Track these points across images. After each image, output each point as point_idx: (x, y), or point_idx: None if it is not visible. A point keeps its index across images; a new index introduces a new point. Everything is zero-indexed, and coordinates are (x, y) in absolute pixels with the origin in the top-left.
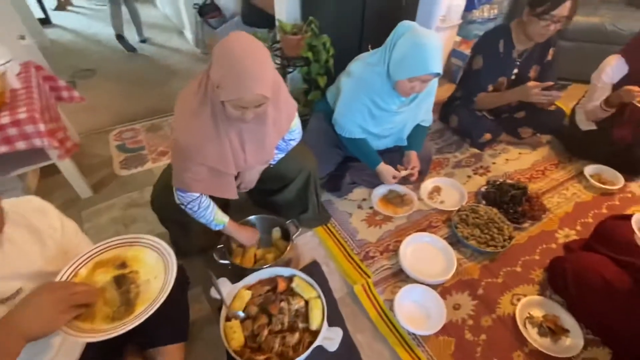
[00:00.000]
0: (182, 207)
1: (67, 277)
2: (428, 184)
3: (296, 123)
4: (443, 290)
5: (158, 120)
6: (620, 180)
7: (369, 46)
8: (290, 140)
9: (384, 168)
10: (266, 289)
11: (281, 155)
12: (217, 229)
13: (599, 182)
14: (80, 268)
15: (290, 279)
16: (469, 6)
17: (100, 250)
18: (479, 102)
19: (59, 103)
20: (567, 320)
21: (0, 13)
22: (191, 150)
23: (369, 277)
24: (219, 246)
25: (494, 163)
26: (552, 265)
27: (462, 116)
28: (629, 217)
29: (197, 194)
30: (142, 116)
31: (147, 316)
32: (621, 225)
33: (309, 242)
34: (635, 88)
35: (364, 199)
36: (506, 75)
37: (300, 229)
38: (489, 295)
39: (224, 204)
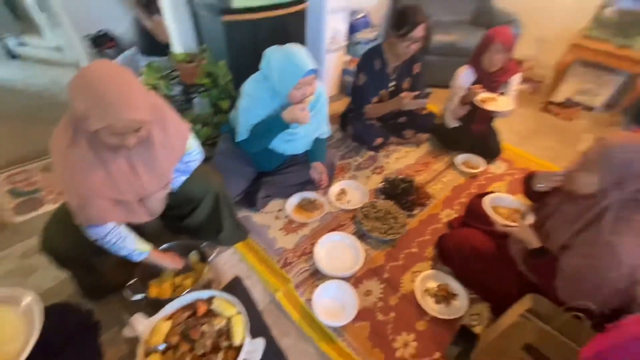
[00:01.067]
0: (100, 243)
1: None
2: (335, 188)
3: (193, 144)
4: (355, 280)
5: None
6: (483, 163)
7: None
8: (190, 161)
9: (287, 111)
10: (186, 315)
11: (183, 178)
12: (140, 258)
13: (468, 168)
14: None
15: (209, 300)
16: (352, 29)
17: None
18: (367, 113)
19: None
20: (455, 286)
21: None
22: (79, 185)
23: (289, 282)
24: (130, 282)
25: (387, 162)
26: (439, 242)
27: (356, 126)
28: (488, 194)
29: (112, 225)
30: (35, 156)
31: None
32: (481, 202)
33: (229, 260)
34: (476, 87)
35: (280, 210)
36: (385, 88)
37: (217, 249)
38: (393, 277)
39: (139, 235)
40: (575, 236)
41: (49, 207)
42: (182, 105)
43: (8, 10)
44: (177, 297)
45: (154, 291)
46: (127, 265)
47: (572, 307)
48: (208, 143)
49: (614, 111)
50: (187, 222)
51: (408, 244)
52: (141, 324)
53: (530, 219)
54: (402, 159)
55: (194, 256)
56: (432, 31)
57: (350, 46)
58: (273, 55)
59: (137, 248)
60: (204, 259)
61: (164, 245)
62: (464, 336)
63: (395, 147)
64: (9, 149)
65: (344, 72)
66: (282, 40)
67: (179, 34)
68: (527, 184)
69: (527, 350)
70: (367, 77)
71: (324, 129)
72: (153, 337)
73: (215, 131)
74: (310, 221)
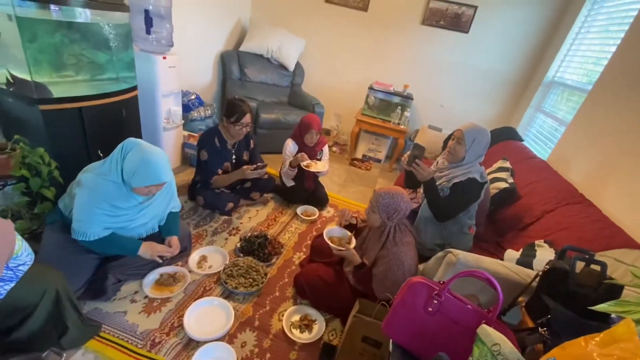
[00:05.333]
0: None
1: None
2: (194, 256)
3: (21, 245)
4: (230, 337)
5: None
6: (316, 212)
7: (100, 152)
8: (18, 265)
9: (145, 248)
10: None
11: (10, 286)
12: None
13: (306, 216)
14: None
15: None
16: (187, 109)
17: None
18: (214, 183)
19: None
20: (313, 313)
21: None
22: None
23: None
24: None
25: (241, 223)
26: (295, 281)
27: (205, 195)
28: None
29: None
30: None
31: None
32: (321, 241)
33: None
34: (300, 156)
35: (136, 292)
36: (228, 161)
37: (65, 354)
38: (263, 323)
39: None
40: (378, 252)
41: None
42: None
43: None
44: None
45: None
46: None
47: (381, 300)
48: (26, 236)
49: (391, 161)
50: (14, 336)
51: (271, 290)
52: None
53: (353, 243)
54: (254, 217)
55: None
56: (259, 112)
57: (187, 123)
58: (131, 154)
59: None
60: None
61: None
62: (327, 350)
63: (246, 207)
64: None
65: (185, 145)
66: (116, 126)
67: None
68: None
69: (364, 340)
70: (209, 153)
71: (175, 203)
72: None
73: (35, 222)
74: (173, 295)
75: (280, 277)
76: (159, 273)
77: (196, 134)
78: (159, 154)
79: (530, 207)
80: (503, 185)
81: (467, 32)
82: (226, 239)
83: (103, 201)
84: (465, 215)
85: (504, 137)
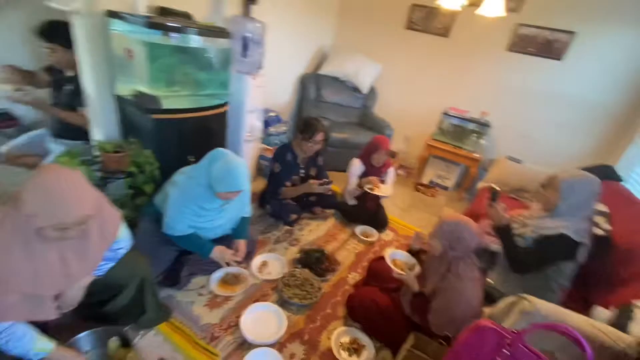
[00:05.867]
0: None
1: None
2: (257, 261)
3: (123, 232)
4: (280, 345)
5: None
6: (376, 234)
7: (190, 159)
8: (119, 249)
9: (218, 251)
10: None
11: (110, 265)
12: (37, 359)
13: (365, 237)
14: None
15: None
16: (266, 124)
17: None
18: (282, 194)
19: None
20: (363, 338)
21: None
22: None
23: (217, 356)
24: None
25: (301, 235)
26: (347, 302)
27: (273, 204)
28: (382, 258)
29: (9, 323)
30: None
31: None
32: (379, 264)
33: (152, 342)
34: (367, 178)
35: (203, 286)
36: (297, 175)
37: (141, 332)
38: (312, 338)
39: (42, 327)
40: (438, 283)
41: None
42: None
43: None
44: None
45: None
46: None
47: (438, 337)
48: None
49: (460, 189)
50: (106, 309)
51: (323, 306)
52: None
53: (417, 270)
54: (314, 230)
55: (113, 343)
56: (330, 131)
57: (265, 137)
58: (219, 163)
59: (35, 347)
60: (126, 343)
61: (81, 335)
62: None
63: (307, 221)
64: None
65: (261, 157)
66: (207, 136)
67: (103, 127)
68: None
69: None
70: (281, 166)
71: (247, 209)
72: None
73: (133, 213)
74: (234, 294)
75: (334, 294)
76: (225, 272)
77: (271, 148)
78: (242, 165)
79: (629, 260)
80: (597, 231)
81: (559, 59)
82: (286, 248)
83: (191, 202)
84: (555, 273)
85: (600, 177)
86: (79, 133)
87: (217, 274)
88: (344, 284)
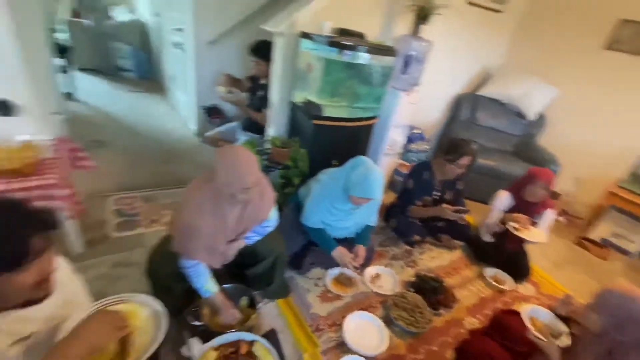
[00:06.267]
0: (183, 271)
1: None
2: (371, 271)
3: (274, 214)
4: None
5: (154, 192)
6: (511, 282)
7: (334, 162)
8: (266, 226)
9: (339, 252)
10: (230, 351)
11: (257, 238)
12: (206, 295)
13: (495, 282)
14: None
15: (251, 343)
16: (408, 140)
17: (105, 304)
18: (411, 212)
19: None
20: None
21: (39, 92)
22: (192, 227)
23: (317, 346)
24: (193, 309)
25: (420, 259)
26: (460, 347)
27: (398, 220)
28: (515, 312)
29: (196, 261)
30: (140, 187)
31: None
32: (510, 319)
33: (270, 312)
34: (515, 215)
35: (319, 278)
36: (430, 196)
37: (265, 300)
38: None
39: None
40: None
41: (142, 230)
42: None
43: None
44: (227, 332)
45: (206, 321)
46: (194, 294)
47: None
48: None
49: None
50: (246, 272)
51: (430, 341)
52: (196, 348)
53: (564, 341)
54: (435, 259)
55: (244, 300)
56: (477, 156)
57: (404, 153)
58: (358, 168)
59: (206, 286)
60: (252, 305)
61: (225, 285)
62: None
63: (430, 246)
64: (123, 177)
65: (396, 172)
66: (353, 144)
67: (276, 124)
68: None
69: None
70: (415, 184)
71: (373, 219)
72: None
73: (281, 198)
74: (344, 295)
75: (444, 333)
76: (341, 272)
77: (408, 164)
78: (380, 175)
79: None
80: None
81: None
82: (402, 267)
83: (327, 199)
84: None
85: None
86: (259, 129)
87: (334, 272)
88: (458, 325)
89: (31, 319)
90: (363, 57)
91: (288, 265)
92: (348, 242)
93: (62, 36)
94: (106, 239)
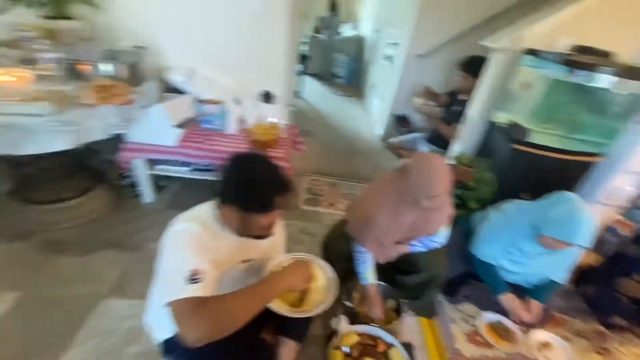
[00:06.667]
0: (354, 252)
1: (278, 264)
2: (541, 336)
3: (445, 231)
4: None
5: (338, 181)
6: None
7: (523, 195)
8: (433, 241)
9: (510, 298)
10: (369, 342)
11: (421, 250)
12: (363, 282)
13: None
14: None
15: (389, 345)
16: None
17: (296, 257)
18: (622, 287)
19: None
20: None
21: (287, 89)
22: (370, 218)
23: None
24: (348, 290)
25: (619, 350)
26: None
27: (598, 290)
28: None
29: (365, 250)
30: (328, 174)
31: (305, 315)
32: None
33: (412, 325)
34: None
35: (471, 316)
36: None
37: (410, 311)
38: None
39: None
40: None
41: (321, 210)
42: None
43: None
44: (372, 325)
45: (354, 306)
46: (350, 276)
47: None
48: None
49: None
50: (400, 277)
51: None
52: (342, 325)
53: None
54: None
55: (391, 303)
56: None
57: (629, 209)
58: (561, 205)
59: (365, 274)
60: (398, 310)
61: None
62: None
63: (636, 340)
64: (318, 162)
65: (609, 229)
66: (555, 179)
67: (466, 141)
68: None
69: None
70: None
71: (562, 276)
72: (345, 339)
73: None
74: (495, 347)
75: None
76: (500, 320)
77: (629, 223)
78: (592, 220)
79: None
80: None
81: None
82: (586, 350)
83: (509, 233)
84: None
85: None
86: (445, 143)
87: (491, 316)
88: None
89: (255, 248)
90: (602, 80)
91: (440, 287)
92: (515, 291)
93: (304, 48)
94: (297, 208)
